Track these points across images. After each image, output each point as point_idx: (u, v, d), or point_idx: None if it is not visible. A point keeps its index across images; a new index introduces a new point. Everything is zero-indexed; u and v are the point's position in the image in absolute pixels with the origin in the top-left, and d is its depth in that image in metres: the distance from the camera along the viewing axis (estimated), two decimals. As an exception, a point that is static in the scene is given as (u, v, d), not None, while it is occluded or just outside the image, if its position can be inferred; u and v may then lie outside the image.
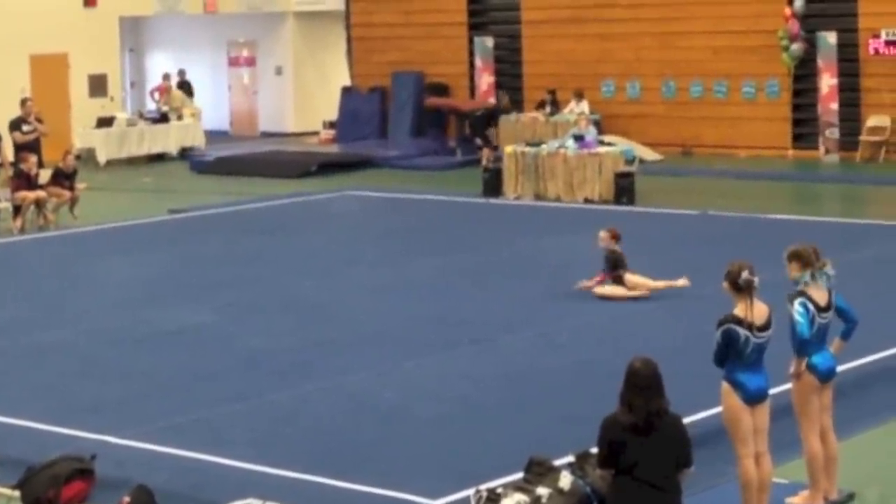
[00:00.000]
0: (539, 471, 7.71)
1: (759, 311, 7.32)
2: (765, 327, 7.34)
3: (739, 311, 7.30)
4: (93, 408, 9.96)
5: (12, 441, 9.15)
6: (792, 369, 7.62)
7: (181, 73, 31.04)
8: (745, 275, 7.29)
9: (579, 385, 10.18)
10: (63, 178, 19.59)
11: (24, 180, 19.06)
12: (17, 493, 8.00)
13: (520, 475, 7.79)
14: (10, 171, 19.62)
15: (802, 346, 7.54)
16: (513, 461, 8.03)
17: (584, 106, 25.54)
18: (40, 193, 19.18)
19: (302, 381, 10.54)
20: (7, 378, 11.06)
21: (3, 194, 19.31)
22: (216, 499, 7.80)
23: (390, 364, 11.00)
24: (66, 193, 19.57)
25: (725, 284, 7.37)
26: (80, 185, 19.87)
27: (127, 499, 7.62)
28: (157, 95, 30.48)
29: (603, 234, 13.36)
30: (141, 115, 28.38)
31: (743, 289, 7.29)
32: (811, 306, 7.54)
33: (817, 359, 7.61)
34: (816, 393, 7.66)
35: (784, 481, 7.88)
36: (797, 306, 7.51)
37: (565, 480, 7.51)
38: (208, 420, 9.58)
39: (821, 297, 7.63)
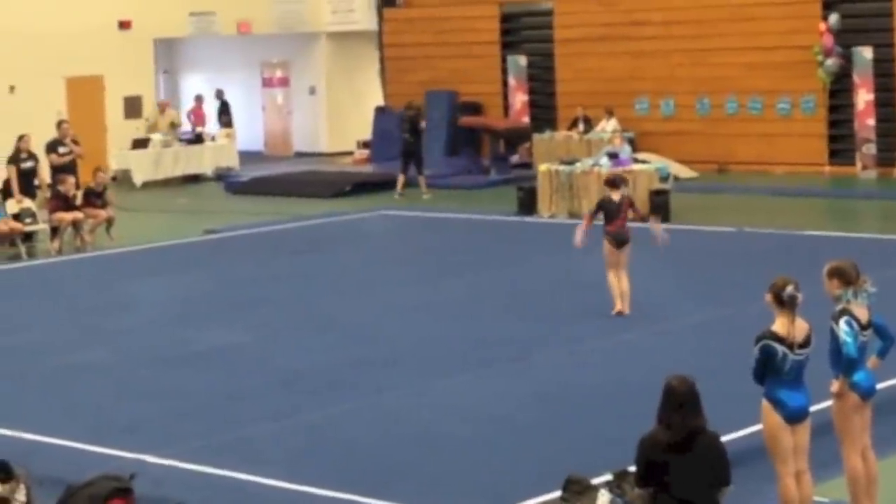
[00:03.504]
0: (576, 489, 7.68)
1: (798, 328, 7.26)
2: (804, 344, 7.28)
3: (778, 326, 7.24)
4: (130, 427, 10.01)
5: (51, 460, 9.19)
6: (834, 388, 7.53)
7: (219, 93, 31.19)
8: (789, 289, 7.21)
9: (614, 404, 10.13)
10: (94, 196, 19.71)
11: (61, 202, 19.20)
12: (56, 513, 8.03)
13: (556, 494, 7.76)
14: (47, 193, 19.78)
15: (850, 366, 7.45)
16: (549, 480, 8.00)
17: (614, 123, 25.50)
18: (78, 214, 19.32)
19: (337, 401, 10.55)
20: (46, 398, 11.13)
21: (41, 216, 19.46)
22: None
23: (425, 383, 10.99)
24: (103, 213, 19.69)
25: (768, 297, 7.30)
26: (109, 199, 19.89)
27: (165, 518, 7.65)
28: (192, 117, 30.71)
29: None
30: (172, 128, 28.27)
31: (785, 304, 7.22)
32: (855, 324, 7.47)
33: (859, 377, 7.53)
34: (858, 411, 7.59)
35: (825, 500, 7.81)
36: (843, 325, 7.41)
37: (603, 499, 7.48)
38: (244, 439, 9.60)
39: (862, 314, 7.55)
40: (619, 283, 13.18)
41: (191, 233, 20.20)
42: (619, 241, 13.21)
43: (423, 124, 24.56)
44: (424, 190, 23.59)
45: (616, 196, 13.40)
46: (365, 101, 30.74)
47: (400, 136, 24.56)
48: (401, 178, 23.88)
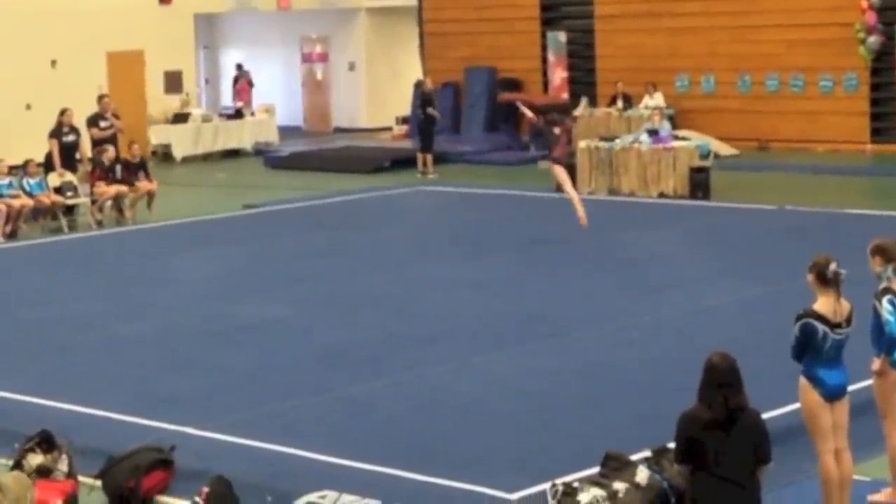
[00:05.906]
0: (615, 465, 7.68)
1: (841, 306, 7.21)
2: (846, 324, 7.23)
3: (820, 305, 7.18)
4: (171, 400, 10.08)
5: (94, 431, 9.28)
6: (875, 366, 7.49)
7: (238, 67, 31.32)
8: (832, 267, 7.13)
9: (654, 380, 10.12)
10: (131, 168, 19.81)
11: (102, 172, 19.36)
12: (98, 483, 8.12)
13: (596, 470, 7.76)
14: (88, 167, 19.92)
15: (892, 344, 7.38)
16: (588, 456, 8.00)
17: (659, 98, 25.36)
18: (121, 188, 19.46)
19: (377, 375, 10.58)
20: (88, 370, 11.23)
21: (83, 189, 19.59)
22: (292, 490, 7.86)
23: (465, 358, 11.01)
24: (143, 187, 19.81)
25: (810, 277, 7.21)
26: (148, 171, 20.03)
27: (206, 489, 7.70)
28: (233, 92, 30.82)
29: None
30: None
31: (829, 281, 7.14)
32: (898, 303, 7.40)
33: (901, 354, 7.49)
34: (900, 390, 7.54)
35: (866, 479, 7.78)
36: (886, 304, 7.33)
37: (642, 475, 7.47)
38: (284, 413, 9.65)
39: (905, 292, 7.49)
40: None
41: (230, 208, 20.29)
42: (566, 163, 15.75)
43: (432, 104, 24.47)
44: (431, 169, 23.52)
45: (557, 130, 15.23)
46: (404, 76, 30.72)
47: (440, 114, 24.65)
48: (428, 158, 23.85)
